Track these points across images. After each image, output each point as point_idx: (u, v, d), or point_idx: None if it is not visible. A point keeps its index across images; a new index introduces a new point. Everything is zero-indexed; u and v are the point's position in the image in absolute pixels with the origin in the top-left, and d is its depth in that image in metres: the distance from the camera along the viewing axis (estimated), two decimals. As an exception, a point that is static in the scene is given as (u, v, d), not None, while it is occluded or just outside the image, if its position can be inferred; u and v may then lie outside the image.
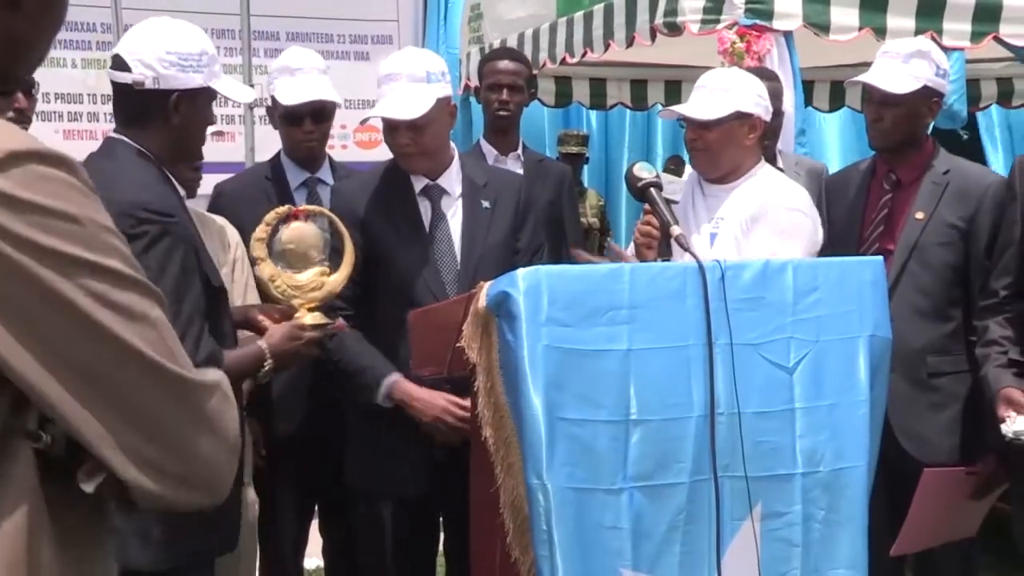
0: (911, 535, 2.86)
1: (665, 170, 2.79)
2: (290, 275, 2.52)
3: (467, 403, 2.50)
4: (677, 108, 2.93)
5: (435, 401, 2.65)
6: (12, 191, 1.02)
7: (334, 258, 2.60)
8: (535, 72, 5.10)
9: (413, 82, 2.68)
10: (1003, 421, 2.58)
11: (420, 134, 2.69)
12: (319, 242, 2.56)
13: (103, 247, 1.08)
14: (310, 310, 2.51)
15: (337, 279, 2.56)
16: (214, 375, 1.20)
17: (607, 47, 4.31)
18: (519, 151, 4.04)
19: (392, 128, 2.72)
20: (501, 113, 3.96)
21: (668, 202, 2.60)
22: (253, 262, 2.55)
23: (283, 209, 2.58)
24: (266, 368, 2.35)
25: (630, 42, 4.16)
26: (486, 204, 2.81)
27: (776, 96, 3.65)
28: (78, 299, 1.06)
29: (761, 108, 2.85)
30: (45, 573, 1.07)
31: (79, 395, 1.07)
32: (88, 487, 1.10)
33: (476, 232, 2.79)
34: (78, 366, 1.07)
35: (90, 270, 1.07)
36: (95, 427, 1.08)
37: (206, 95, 2.24)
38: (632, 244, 3.08)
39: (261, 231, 2.54)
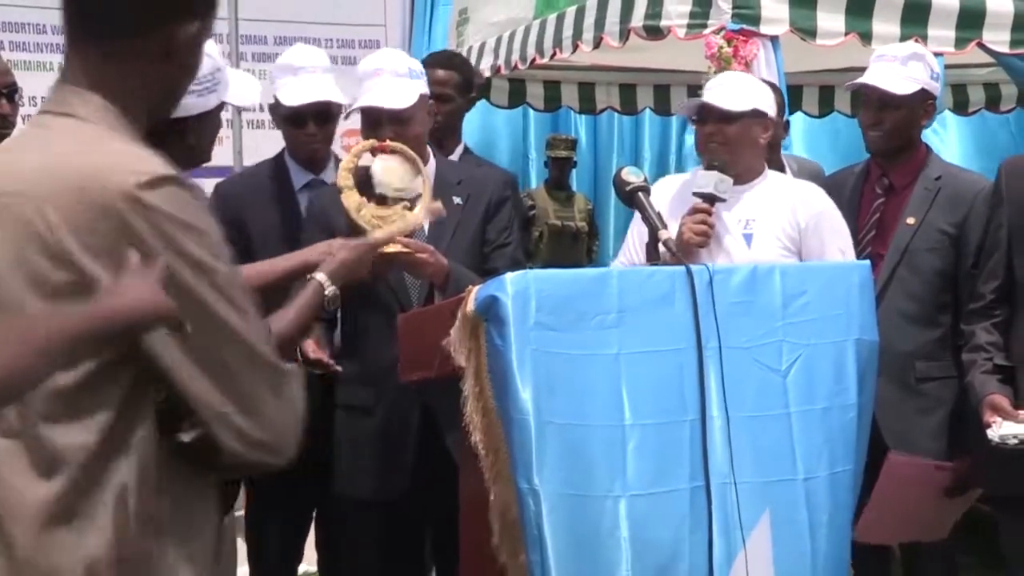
0: (873, 521, 2.79)
1: (709, 167, 2.82)
2: (374, 206, 2.55)
3: None
4: (705, 98, 2.91)
5: None
6: (161, 205, 1.31)
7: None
8: (505, 74, 5.06)
9: (397, 76, 2.72)
10: (989, 426, 2.61)
11: (403, 127, 2.69)
12: (397, 179, 2.59)
13: (220, 254, 1.36)
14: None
15: (417, 214, 2.60)
16: (292, 366, 1.48)
17: (575, 48, 4.31)
18: (456, 156, 3.94)
19: (374, 123, 2.72)
20: None
21: (716, 197, 2.74)
22: (340, 191, 2.57)
23: (368, 142, 2.61)
24: (328, 294, 2.28)
25: (597, 43, 4.15)
26: (457, 200, 2.81)
27: (780, 107, 3.68)
28: (207, 295, 1.33)
29: (773, 111, 2.95)
30: (157, 500, 1.35)
31: (196, 370, 1.33)
32: (186, 437, 1.37)
33: (443, 229, 2.77)
34: (200, 347, 1.33)
35: (214, 272, 1.34)
36: (203, 395, 1.34)
37: (219, 107, 2.16)
38: (621, 253, 3.11)
39: (349, 161, 2.58)
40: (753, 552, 2.16)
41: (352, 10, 5.80)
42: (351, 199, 2.55)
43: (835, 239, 2.84)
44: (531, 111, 6.16)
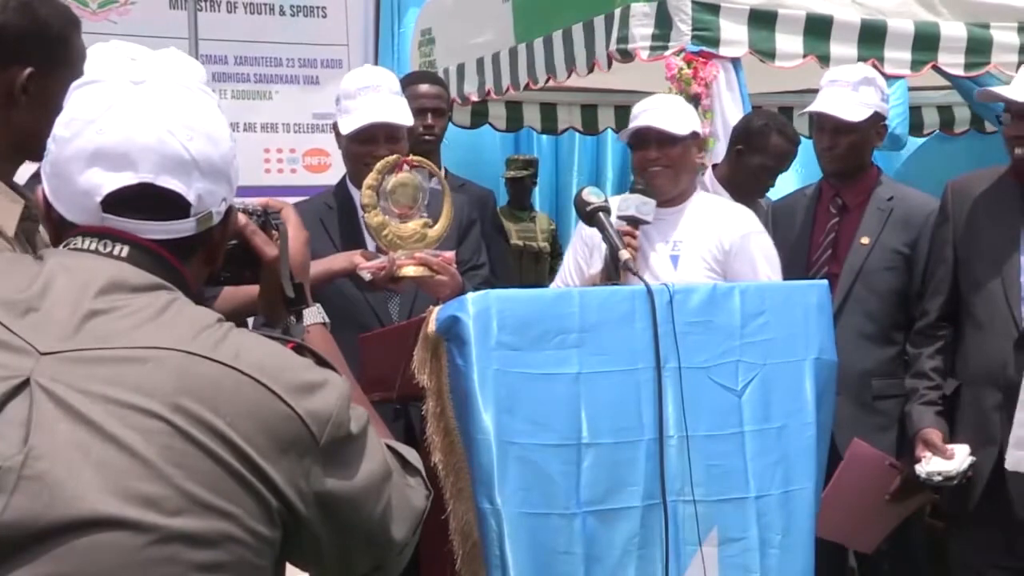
0: (830, 509, 2.80)
1: (633, 190, 2.85)
2: (396, 224, 2.52)
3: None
4: (648, 121, 2.92)
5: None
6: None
7: (434, 211, 2.58)
8: (496, 97, 5.10)
9: (393, 94, 2.76)
10: (918, 461, 2.71)
11: (397, 145, 2.71)
12: (420, 194, 2.54)
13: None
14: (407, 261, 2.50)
15: (437, 231, 2.56)
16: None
17: (570, 73, 4.32)
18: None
19: (370, 139, 2.71)
20: (426, 137, 3.85)
21: (639, 220, 2.72)
22: (364, 209, 2.52)
23: (392, 158, 2.55)
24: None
25: (591, 68, 4.18)
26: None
27: None
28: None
29: (702, 132, 3.00)
30: None
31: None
32: None
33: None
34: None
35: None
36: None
37: None
38: (557, 277, 3.15)
39: (372, 179, 2.52)
40: (697, 569, 2.17)
41: (315, 30, 5.78)
42: (374, 218, 2.51)
43: (763, 267, 2.87)
44: (494, 131, 6.18)
